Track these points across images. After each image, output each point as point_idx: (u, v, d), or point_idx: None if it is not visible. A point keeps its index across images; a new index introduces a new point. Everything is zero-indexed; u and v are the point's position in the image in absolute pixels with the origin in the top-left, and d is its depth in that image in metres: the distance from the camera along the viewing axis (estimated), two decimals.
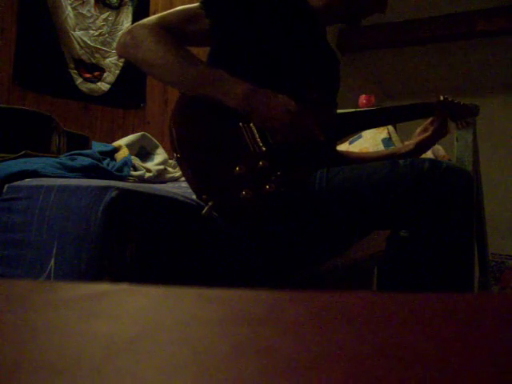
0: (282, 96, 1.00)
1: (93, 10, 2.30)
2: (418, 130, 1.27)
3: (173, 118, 0.99)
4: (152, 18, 1.05)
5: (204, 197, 0.91)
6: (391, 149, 1.47)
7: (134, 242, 0.82)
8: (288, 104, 0.99)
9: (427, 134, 1.24)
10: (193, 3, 1.08)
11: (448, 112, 1.29)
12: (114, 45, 2.33)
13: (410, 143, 1.28)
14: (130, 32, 1.02)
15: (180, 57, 0.99)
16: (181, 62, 0.98)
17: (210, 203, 0.90)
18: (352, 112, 1.31)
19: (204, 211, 0.89)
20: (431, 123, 1.24)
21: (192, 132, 0.99)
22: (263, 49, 1.10)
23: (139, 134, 1.94)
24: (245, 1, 1.11)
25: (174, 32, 1.02)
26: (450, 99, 1.27)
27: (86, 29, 2.28)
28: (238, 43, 1.10)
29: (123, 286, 0.29)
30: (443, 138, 1.27)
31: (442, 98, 1.27)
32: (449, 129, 1.26)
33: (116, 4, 2.41)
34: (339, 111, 1.29)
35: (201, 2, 1.08)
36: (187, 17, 1.06)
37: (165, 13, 1.08)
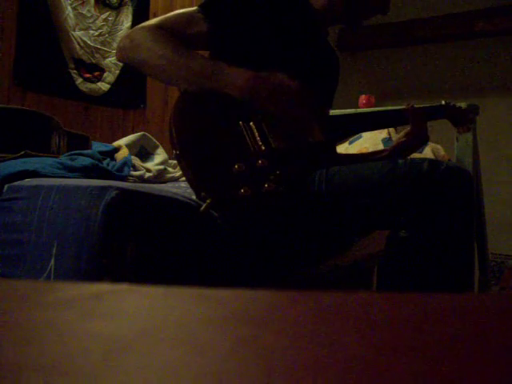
0: (282, 74, 1.02)
1: (93, 10, 2.30)
2: (398, 135, 1.25)
3: (173, 115, 0.99)
4: (151, 21, 1.06)
5: (203, 194, 0.91)
6: (367, 152, 1.44)
7: (134, 242, 0.82)
8: (289, 80, 1.01)
9: (404, 139, 1.20)
10: (193, 4, 1.09)
11: (449, 116, 1.29)
12: (114, 45, 2.33)
13: (385, 149, 1.26)
14: (128, 36, 1.03)
15: (179, 52, 0.99)
16: (180, 57, 0.99)
17: (208, 200, 0.90)
18: (340, 115, 1.31)
19: (202, 208, 0.89)
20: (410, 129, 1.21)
21: (191, 129, 0.99)
22: (263, 51, 1.10)
23: (139, 134, 1.94)
24: (244, 3, 1.11)
25: (173, 35, 1.02)
26: (451, 104, 1.26)
27: (86, 29, 2.28)
28: (237, 46, 1.10)
29: (123, 286, 0.29)
30: (423, 144, 1.23)
31: (443, 102, 1.27)
32: (429, 136, 1.21)
33: (116, 4, 2.41)
34: (335, 111, 1.29)
35: (200, 6, 1.08)
36: (186, 20, 1.07)
37: (164, 16, 1.08)
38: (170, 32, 1.02)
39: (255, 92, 0.99)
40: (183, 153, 0.95)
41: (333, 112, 1.29)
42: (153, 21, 1.05)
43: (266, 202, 0.95)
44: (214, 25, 1.07)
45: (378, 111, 1.31)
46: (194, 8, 1.08)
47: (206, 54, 1.16)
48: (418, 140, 1.19)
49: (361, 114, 1.34)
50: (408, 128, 1.21)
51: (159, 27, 1.01)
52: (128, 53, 1.02)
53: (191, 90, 1.01)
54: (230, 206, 0.94)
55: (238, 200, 0.92)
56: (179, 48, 1.00)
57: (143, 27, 1.02)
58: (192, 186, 0.95)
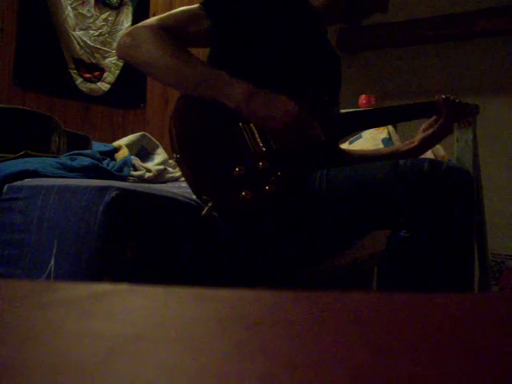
0: (282, 96, 1.00)
1: (93, 10, 2.30)
2: (423, 126, 1.26)
3: (173, 118, 0.99)
4: (152, 19, 1.05)
5: (204, 197, 0.91)
6: (393, 146, 1.46)
7: (134, 242, 0.82)
8: (287, 105, 0.99)
9: (432, 130, 1.22)
10: (193, 3, 1.09)
11: (451, 111, 1.29)
12: (114, 45, 2.33)
13: (415, 139, 1.26)
14: (129, 33, 1.02)
15: (179, 58, 0.99)
16: (179, 63, 0.98)
17: (209, 204, 0.90)
18: (353, 111, 1.31)
19: (204, 212, 0.89)
20: (436, 121, 1.23)
21: (192, 132, 0.99)
22: (264, 49, 1.10)
23: (139, 134, 1.94)
24: (245, 1, 1.11)
25: (175, 33, 1.02)
26: (451, 98, 1.26)
27: (86, 29, 2.28)
28: (239, 44, 1.10)
29: (123, 286, 0.29)
30: (449, 135, 1.27)
31: (443, 96, 1.27)
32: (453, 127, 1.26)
33: (116, 4, 2.41)
34: (341, 111, 1.29)
35: (201, 3, 1.08)
36: (188, 18, 1.06)
37: (165, 14, 1.08)
38: (171, 32, 1.02)
39: (251, 108, 0.98)
40: (184, 156, 0.95)
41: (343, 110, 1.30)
42: (154, 19, 1.05)
43: (267, 203, 0.95)
44: (216, 22, 1.07)
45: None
46: (196, 5, 1.08)
47: (207, 50, 1.16)
48: (448, 131, 1.24)
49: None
50: (431, 120, 1.24)
51: (160, 27, 1.01)
52: (128, 51, 1.01)
53: (189, 95, 1.01)
54: (231, 209, 0.94)
55: (239, 203, 0.92)
56: (179, 53, 0.99)
57: (145, 26, 1.01)
58: (193, 189, 0.95)
